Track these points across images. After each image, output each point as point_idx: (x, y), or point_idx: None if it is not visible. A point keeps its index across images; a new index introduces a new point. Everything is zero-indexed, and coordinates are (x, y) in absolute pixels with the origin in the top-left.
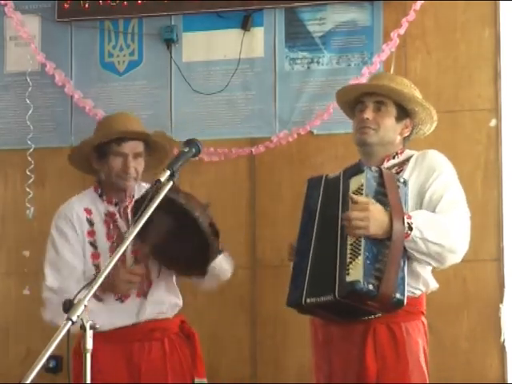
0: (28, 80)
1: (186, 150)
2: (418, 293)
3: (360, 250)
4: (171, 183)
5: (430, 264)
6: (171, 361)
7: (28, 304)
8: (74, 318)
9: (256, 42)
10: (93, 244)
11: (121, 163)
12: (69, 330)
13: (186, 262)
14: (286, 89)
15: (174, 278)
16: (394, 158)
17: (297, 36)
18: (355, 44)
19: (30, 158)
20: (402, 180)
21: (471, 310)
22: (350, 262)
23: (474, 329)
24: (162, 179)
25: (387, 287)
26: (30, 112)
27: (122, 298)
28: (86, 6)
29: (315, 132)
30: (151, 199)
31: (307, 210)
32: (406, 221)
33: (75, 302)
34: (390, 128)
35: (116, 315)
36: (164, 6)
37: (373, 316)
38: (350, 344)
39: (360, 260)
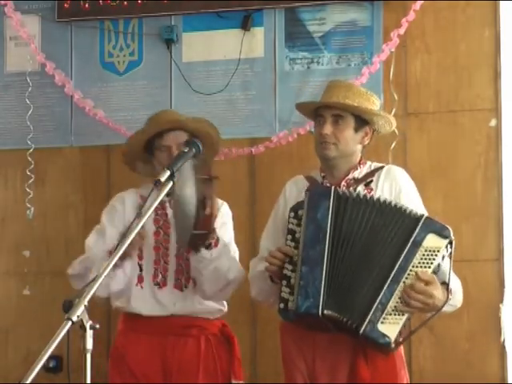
0: (28, 80)
1: (186, 150)
2: None
3: (405, 313)
4: (171, 183)
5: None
6: (205, 360)
7: (28, 304)
8: (74, 318)
9: (256, 42)
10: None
11: (166, 156)
12: (69, 330)
13: (183, 230)
14: (285, 89)
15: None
16: (356, 169)
17: (297, 36)
18: (355, 44)
19: (29, 158)
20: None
21: (471, 310)
22: (391, 314)
23: (474, 329)
24: (162, 179)
25: (400, 346)
26: (30, 112)
27: (159, 284)
28: (86, 6)
29: None
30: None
31: (312, 219)
32: (449, 297)
33: (75, 301)
34: (350, 140)
35: (154, 303)
36: (164, 6)
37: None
38: (338, 348)
39: (401, 320)
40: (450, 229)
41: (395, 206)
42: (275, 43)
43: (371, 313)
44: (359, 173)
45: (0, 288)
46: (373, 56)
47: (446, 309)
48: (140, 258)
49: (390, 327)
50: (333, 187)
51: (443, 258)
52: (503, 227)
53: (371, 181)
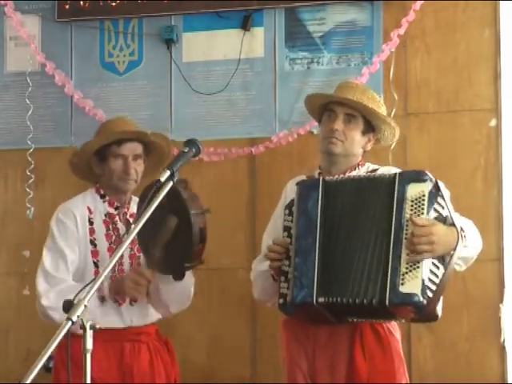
0: (28, 80)
1: (186, 150)
2: None
3: (419, 263)
4: (171, 183)
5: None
6: (156, 364)
7: (28, 304)
8: (74, 318)
9: (256, 42)
10: (92, 242)
11: (121, 165)
12: (69, 330)
13: (167, 260)
14: (285, 89)
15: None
16: (355, 169)
17: (297, 36)
18: (355, 44)
19: (30, 158)
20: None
21: (471, 310)
22: (406, 273)
23: (474, 329)
24: (162, 179)
25: (436, 302)
26: (30, 112)
27: (119, 302)
28: (86, 5)
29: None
30: (151, 199)
31: (303, 211)
32: (462, 234)
33: (75, 302)
34: (356, 141)
35: (114, 319)
36: (164, 6)
37: (364, 320)
38: (337, 345)
39: (419, 273)
40: (427, 172)
41: (369, 177)
42: (275, 43)
43: (388, 281)
44: (356, 173)
45: (0, 288)
46: (373, 56)
47: (468, 253)
48: (97, 274)
49: (411, 284)
50: (321, 178)
51: (436, 202)
52: (503, 227)
53: None
